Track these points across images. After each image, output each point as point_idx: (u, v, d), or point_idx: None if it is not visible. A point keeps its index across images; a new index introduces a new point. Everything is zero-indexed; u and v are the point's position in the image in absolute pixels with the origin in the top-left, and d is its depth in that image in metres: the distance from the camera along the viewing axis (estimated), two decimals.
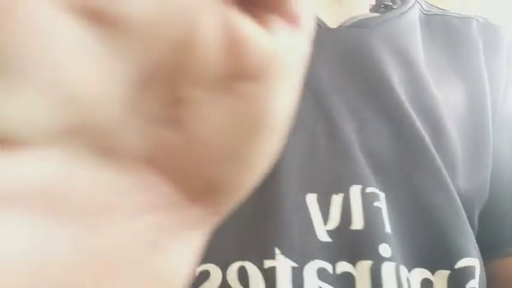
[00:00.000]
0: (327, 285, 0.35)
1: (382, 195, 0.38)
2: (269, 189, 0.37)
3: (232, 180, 0.10)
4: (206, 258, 0.34)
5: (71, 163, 0.08)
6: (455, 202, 0.39)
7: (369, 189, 0.38)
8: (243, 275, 0.35)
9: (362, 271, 0.36)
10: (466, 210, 0.40)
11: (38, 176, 0.08)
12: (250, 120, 0.09)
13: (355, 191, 0.38)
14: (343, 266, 0.36)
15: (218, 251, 0.34)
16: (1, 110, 0.07)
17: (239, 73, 0.09)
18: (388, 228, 0.37)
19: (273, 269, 0.35)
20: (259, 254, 0.35)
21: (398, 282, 0.36)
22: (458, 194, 0.40)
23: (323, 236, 0.36)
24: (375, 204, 0.37)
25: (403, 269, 0.36)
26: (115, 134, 0.09)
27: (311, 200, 0.37)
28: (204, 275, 0.35)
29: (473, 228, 0.40)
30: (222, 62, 0.09)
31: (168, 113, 0.09)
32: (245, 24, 0.09)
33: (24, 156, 0.08)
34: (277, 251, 0.35)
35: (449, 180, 0.39)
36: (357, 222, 0.37)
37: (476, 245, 0.40)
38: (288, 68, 0.09)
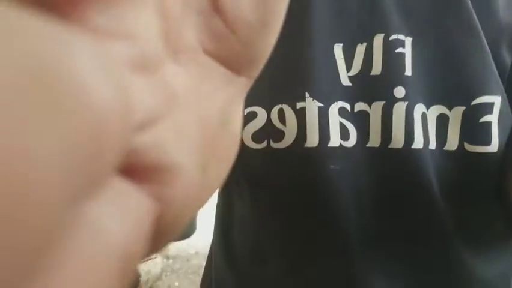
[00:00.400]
0: (346, 121, 0.41)
1: (408, 40, 0.41)
2: (301, 41, 0.42)
3: (263, 46, 0.13)
4: (253, 101, 0.42)
5: (173, 68, 0.11)
6: (482, 45, 0.41)
7: (392, 37, 0.41)
8: (281, 115, 0.42)
9: (375, 110, 0.41)
10: (496, 49, 0.41)
11: (173, 84, 0.10)
12: None
13: (378, 39, 0.41)
14: (360, 106, 0.41)
15: (262, 96, 0.41)
16: (143, 31, 0.09)
17: None
18: (409, 71, 0.41)
19: (303, 109, 0.41)
20: (293, 97, 0.41)
21: (406, 118, 0.40)
22: (494, 30, 0.41)
23: (345, 81, 0.42)
24: (398, 50, 0.41)
25: (420, 106, 0.41)
26: (182, 34, 0.11)
27: (338, 49, 0.42)
28: (252, 115, 0.42)
29: (504, 67, 0.42)
30: None
31: (211, 4, 0.11)
32: None
33: (164, 73, 0.10)
34: (307, 94, 0.41)
35: (478, 24, 0.41)
36: (376, 68, 0.41)
37: (501, 84, 0.41)
38: None
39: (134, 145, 0.08)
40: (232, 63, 0.12)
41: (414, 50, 0.41)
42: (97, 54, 0.07)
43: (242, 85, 0.13)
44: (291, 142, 0.42)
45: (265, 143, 0.42)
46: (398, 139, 0.41)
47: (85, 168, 0.06)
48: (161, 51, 0.10)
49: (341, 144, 0.41)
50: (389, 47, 0.41)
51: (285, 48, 0.41)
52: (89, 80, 0.06)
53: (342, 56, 0.42)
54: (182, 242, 3.95)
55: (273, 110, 0.42)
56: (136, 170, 0.09)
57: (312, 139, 0.41)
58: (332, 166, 0.41)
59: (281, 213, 0.46)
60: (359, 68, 0.42)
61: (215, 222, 0.54)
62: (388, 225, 0.43)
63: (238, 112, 0.13)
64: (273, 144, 0.42)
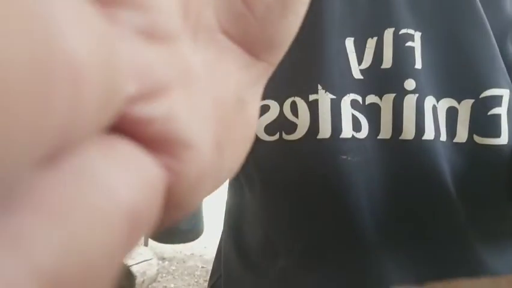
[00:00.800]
0: (358, 113, 0.42)
1: (418, 34, 0.42)
2: (314, 36, 0.43)
3: (283, 30, 0.13)
4: (265, 95, 0.41)
5: (187, 45, 0.11)
6: (489, 39, 0.42)
7: (402, 31, 0.42)
8: (294, 108, 0.42)
9: (386, 102, 0.42)
10: (501, 43, 0.42)
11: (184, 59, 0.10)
12: None
13: (388, 33, 0.42)
14: (371, 99, 0.42)
15: (274, 89, 0.42)
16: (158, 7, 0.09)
17: None
18: (419, 65, 0.42)
19: (316, 101, 0.41)
20: (305, 90, 0.42)
21: (417, 110, 0.41)
22: (501, 24, 0.42)
23: (356, 74, 0.42)
24: (408, 44, 0.41)
25: (430, 99, 0.41)
26: (201, 13, 0.11)
27: (349, 43, 0.43)
28: (265, 108, 0.43)
29: (509, 61, 0.43)
30: None
31: None
32: None
33: (176, 47, 0.10)
34: (319, 86, 0.42)
35: (485, 18, 0.42)
36: (387, 62, 0.42)
37: (508, 78, 0.42)
38: None
39: (144, 112, 0.09)
40: (250, 46, 0.12)
41: (423, 44, 0.42)
42: (81, 9, 0.07)
43: (261, 70, 0.13)
44: (303, 134, 0.42)
45: (277, 135, 0.43)
46: (408, 131, 0.42)
47: (63, 110, 0.06)
48: (177, 25, 0.10)
49: (353, 136, 0.42)
50: (399, 41, 0.42)
51: (298, 41, 0.42)
52: (62, 23, 0.07)
53: (353, 50, 0.43)
54: (178, 244, 3.97)
55: (285, 103, 0.43)
56: (146, 138, 0.09)
57: (325, 131, 0.42)
58: (343, 157, 0.42)
59: (292, 205, 0.46)
60: (370, 61, 0.43)
61: (225, 217, 0.54)
62: (400, 217, 0.43)
63: (256, 97, 0.13)
64: (285, 136, 0.43)
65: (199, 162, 0.10)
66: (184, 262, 4.24)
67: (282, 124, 0.43)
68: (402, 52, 0.42)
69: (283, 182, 0.46)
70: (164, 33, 0.09)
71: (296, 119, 0.42)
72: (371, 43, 0.42)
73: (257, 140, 0.44)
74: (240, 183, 0.50)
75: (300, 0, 0.12)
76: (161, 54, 0.09)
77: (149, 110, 0.09)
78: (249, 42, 0.12)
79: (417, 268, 0.44)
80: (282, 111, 0.43)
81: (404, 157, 0.42)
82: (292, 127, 0.42)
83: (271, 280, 0.48)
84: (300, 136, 0.42)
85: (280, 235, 0.47)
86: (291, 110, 0.42)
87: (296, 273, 0.46)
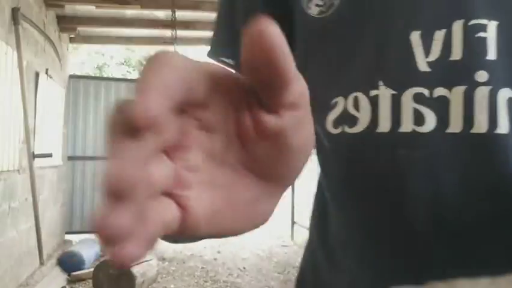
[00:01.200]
0: (422, 106, 0.41)
1: (493, 24, 0.41)
2: (377, 28, 0.44)
3: (287, 174, 0.25)
4: (337, 93, 0.46)
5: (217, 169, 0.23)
6: None
7: (472, 22, 0.41)
8: (356, 103, 0.44)
9: (456, 95, 0.41)
10: None
11: None
12: (279, 150, 0.23)
13: (457, 25, 0.41)
14: (439, 91, 0.41)
15: (342, 85, 0.45)
16: None
17: (264, 134, 0.23)
18: (492, 56, 0.40)
19: (376, 97, 0.43)
20: (367, 86, 0.43)
21: (490, 103, 0.40)
22: None
23: (423, 67, 0.42)
24: (479, 34, 0.40)
25: (505, 91, 0.40)
26: (225, 156, 0.23)
27: (415, 36, 0.42)
28: (335, 104, 0.46)
29: None
30: (259, 134, 0.23)
31: (243, 150, 0.23)
32: (263, 114, 0.22)
33: None
34: (380, 83, 0.43)
35: None
36: (456, 53, 0.41)
37: None
38: (291, 131, 0.23)
39: (174, 194, 0.21)
40: (260, 176, 0.24)
41: (499, 33, 0.41)
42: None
43: (273, 189, 0.25)
44: (364, 128, 0.43)
45: (340, 129, 0.45)
46: (481, 123, 0.40)
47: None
48: (199, 161, 0.22)
49: (414, 130, 0.41)
50: (469, 32, 0.41)
51: (361, 38, 0.45)
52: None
53: (420, 43, 0.42)
54: (179, 244, 3.96)
55: (348, 98, 0.44)
56: (175, 201, 0.21)
57: (384, 125, 0.42)
58: (402, 152, 0.42)
59: (352, 201, 0.46)
60: (438, 53, 0.42)
61: (312, 214, 0.55)
62: (466, 220, 0.40)
63: (270, 201, 0.25)
64: (347, 130, 0.44)
65: (197, 214, 0.21)
66: (184, 263, 4.24)
67: (345, 118, 0.44)
68: (472, 43, 0.40)
69: (345, 178, 0.46)
70: (190, 167, 0.21)
71: (358, 113, 0.43)
72: (439, 35, 0.41)
73: (325, 133, 0.46)
74: (320, 181, 0.52)
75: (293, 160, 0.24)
76: (188, 174, 0.21)
77: (176, 194, 0.21)
78: (258, 175, 0.24)
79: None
80: (346, 106, 0.44)
81: (474, 152, 0.40)
82: (354, 121, 0.44)
83: (342, 276, 0.47)
84: (361, 130, 0.43)
85: (345, 231, 0.48)
86: (354, 105, 0.44)
87: (356, 270, 0.45)
